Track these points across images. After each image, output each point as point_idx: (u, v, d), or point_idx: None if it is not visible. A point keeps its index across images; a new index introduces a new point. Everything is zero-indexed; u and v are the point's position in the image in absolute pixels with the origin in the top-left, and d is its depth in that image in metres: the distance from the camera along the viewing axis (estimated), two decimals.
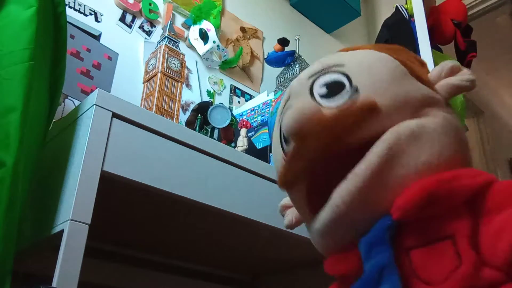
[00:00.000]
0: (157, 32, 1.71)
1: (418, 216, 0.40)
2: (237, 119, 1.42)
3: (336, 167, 0.44)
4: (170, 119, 1.21)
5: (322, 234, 0.46)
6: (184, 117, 1.52)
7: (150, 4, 1.70)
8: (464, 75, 0.49)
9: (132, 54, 1.60)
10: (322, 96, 0.46)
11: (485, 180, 0.40)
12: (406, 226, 0.40)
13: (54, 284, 0.69)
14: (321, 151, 0.43)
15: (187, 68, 1.73)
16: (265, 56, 1.99)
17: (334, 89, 0.46)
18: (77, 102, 1.28)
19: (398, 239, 0.40)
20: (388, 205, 0.41)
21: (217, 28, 1.89)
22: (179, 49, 1.36)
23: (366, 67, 0.47)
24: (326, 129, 0.43)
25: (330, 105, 0.45)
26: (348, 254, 0.44)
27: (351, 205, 0.41)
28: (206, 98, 1.77)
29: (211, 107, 1.28)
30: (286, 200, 0.59)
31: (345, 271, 0.45)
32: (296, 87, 0.51)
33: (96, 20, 1.54)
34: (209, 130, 1.32)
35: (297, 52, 1.86)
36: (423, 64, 0.52)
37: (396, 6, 1.98)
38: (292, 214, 0.57)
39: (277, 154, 0.52)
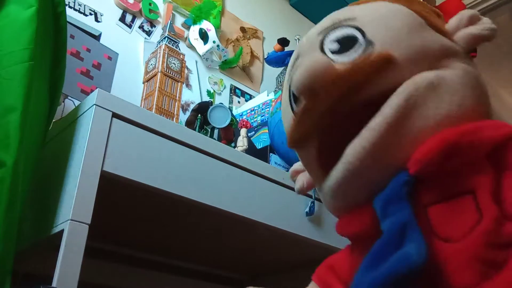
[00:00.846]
0: (157, 32, 1.70)
1: (436, 170, 0.37)
2: (237, 119, 1.42)
3: (349, 124, 0.42)
4: (170, 119, 1.21)
5: (334, 193, 0.44)
6: (184, 117, 1.52)
7: (150, 4, 1.70)
8: (485, 24, 0.46)
9: (132, 54, 1.60)
10: (334, 52, 0.44)
11: (510, 132, 0.38)
12: (424, 181, 0.38)
13: (54, 284, 0.69)
14: (333, 106, 0.41)
15: (187, 68, 1.73)
16: (265, 56, 1.99)
17: (346, 43, 0.44)
18: (77, 102, 1.28)
19: (415, 196, 0.38)
20: (405, 160, 0.39)
21: (217, 28, 1.89)
22: (179, 49, 1.36)
23: (380, 19, 0.45)
24: (339, 83, 0.41)
25: (343, 60, 0.43)
26: (361, 212, 0.42)
27: (365, 161, 0.39)
28: (206, 98, 1.77)
29: (211, 107, 1.28)
30: (297, 164, 0.57)
31: (358, 230, 0.43)
32: (305, 45, 0.48)
33: (96, 20, 1.54)
34: (209, 130, 1.32)
35: None
36: (439, 15, 0.50)
37: None
38: (303, 178, 0.55)
39: (287, 117, 0.50)
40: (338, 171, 0.42)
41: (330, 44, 0.45)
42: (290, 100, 0.49)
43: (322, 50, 0.46)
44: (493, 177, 0.37)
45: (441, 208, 0.37)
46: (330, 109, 0.42)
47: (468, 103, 0.41)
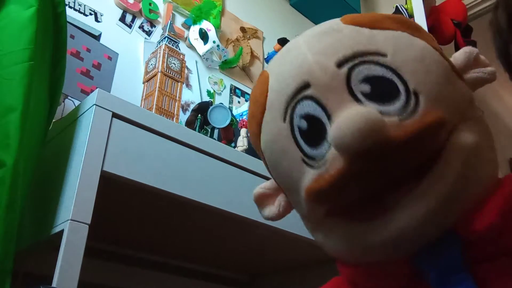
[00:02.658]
0: (157, 32, 1.70)
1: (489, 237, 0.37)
2: (237, 119, 1.42)
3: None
4: (170, 119, 1.21)
5: (375, 249, 0.39)
6: (184, 117, 1.52)
7: (150, 4, 1.70)
8: (487, 67, 0.44)
9: (132, 54, 1.60)
10: (367, 96, 0.38)
11: None
12: (470, 242, 0.38)
13: (54, 284, 0.69)
14: (387, 172, 0.37)
15: (187, 68, 1.73)
16: (265, 56, 2.00)
17: (383, 90, 0.38)
18: (77, 102, 1.28)
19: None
20: (456, 221, 0.38)
21: (217, 28, 1.89)
22: (179, 49, 1.36)
23: (418, 61, 0.39)
24: (398, 149, 0.35)
25: (388, 112, 0.37)
26: (396, 268, 0.40)
27: (424, 225, 0.37)
28: (206, 98, 1.76)
29: (211, 107, 1.29)
30: (263, 188, 0.50)
31: (391, 285, 0.41)
32: (319, 75, 0.40)
33: (96, 20, 1.54)
34: (209, 130, 1.32)
35: None
36: (434, 39, 0.46)
37: (396, 6, 1.98)
38: (276, 203, 0.49)
39: (289, 152, 0.42)
40: (388, 231, 0.38)
41: (361, 85, 0.38)
42: (295, 136, 0.42)
43: (350, 90, 0.39)
44: None
45: (489, 268, 0.37)
46: (382, 175, 0.37)
47: (495, 159, 0.41)
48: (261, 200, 0.50)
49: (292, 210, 0.49)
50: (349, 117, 0.35)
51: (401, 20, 0.44)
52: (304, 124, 0.41)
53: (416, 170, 0.38)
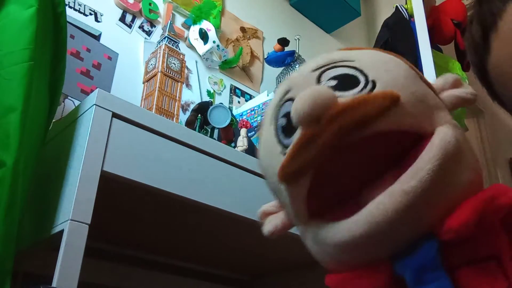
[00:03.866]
0: (157, 32, 1.71)
1: (464, 237, 0.38)
2: (237, 119, 1.43)
3: (342, 163, 0.41)
4: (170, 119, 1.21)
5: (347, 248, 0.41)
6: (184, 117, 1.52)
7: (150, 4, 1.71)
8: (468, 88, 0.47)
9: (132, 54, 1.60)
10: (332, 88, 0.42)
11: None
12: (449, 245, 0.38)
13: (54, 284, 0.69)
14: (337, 138, 0.39)
15: (187, 68, 1.73)
16: (265, 56, 2.00)
17: (346, 82, 0.42)
18: (77, 102, 1.28)
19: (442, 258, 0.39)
20: (431, 223, 0.39)
21: (217, 28, 1.89)
22: (179, 49, 1.36)
23: (380, 64, 0.44)
24: (345, 114, 0.38)
25: (345, 95, 0.41)
26: (374, 272, 0.41)
27: (394, 223, 0.38)
28: (206, 98, 1.77)
29: (211, 107, 1.29)
30: (268, 206, 0.54)
31: None
32: (297, 79, 0.46)
33: (96, 20, 1.54)
34: (209, 130, 1.32)
35: (297, 52, 1.86)
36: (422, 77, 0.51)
37: (396, 6, 1.98)
38: (276, 219, 0.52)
39: (273, 151, 0.46)
40: (358, 228, 0.39)
41: (328, 82, 0.43)
42: (277, 134, 0.46)
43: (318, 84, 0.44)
44: (510, 241, 0.38)
45: (469, 272, 0.38)
46: (333, 141, 0.39)
47: (478, 166, 0.42)
48: (264, 217, 0.54)
49: (292, 226, 0.52)
50: (304, 92, 0.40)
51: (380, 49, 0.49)
52: (283, 121, 0.45)
53: (395, 171, 0.40)
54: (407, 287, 0.39)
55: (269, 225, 0.52)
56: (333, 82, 0.43)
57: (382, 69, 0.44)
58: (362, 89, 0.41)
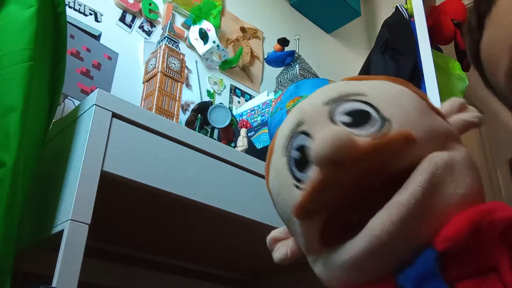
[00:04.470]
0: (157, 32, 1.71)
1: (461, 248, 0.39)
2: (237, 119, 1.43)
3: (357, 199, 0.43)
4: (170, 119, 1.21)
5: (351, 266, 0.43)
6: (184, 117, 1.52)
7: (150, 4, 1.71)
8: (473, 111, 0.49)
9: (132, 54, 1.60)
10: (346, 125, 0.43)
11: None
12: (448, 257, 0.39)
13: (54, 284, 0.69)
14: (357, 181, 0.41)
15: (187, 68, 1.73)
16: (265, 56, 2.00)
17: (359, 118, 0.43)
18: (77, 102, 1.28)
19: (442, 272, 0.39)
20: (428, 235, 0.40)
21: (217, 28, 1.89)
22: (179, 49, 1.36)
23: (392, 98, 0.45)
24: (365, 158, 0.40)
25: (361, 133, 0.42)
26: (380, 285, 0.42)
27: (393, 235, 0.39)
28: (206, 98, 1.77)
29: (211, 107, 1.29)
30: (277, 232, 0.57)
31: None
32: (310, 112, 0.46)
33: (96, 20, 1.54)
34: (209, 130, 1.32)
35: (297, 52, 1.86)
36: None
37: (396, 6, 1.98)
38: (286, 246, 0.55)
39: (286, 183, 0.47)
40: (361, 244, 0.41)
41: (341, 116, 0.44)
42: (290, 167, 0.47)
43: (332, 121, 0.44)
44: (509, 255, 0.39)
45: (469, 284, 0.38)
46: (353, 185, 0.41)
47: (476, 184, 0.43)
48: (273, 244, 0.57)
49: (301, 253, 0.53)
50: (323, 133, 0.40)
51: (388, 77, 0.51)
52: (296, 154, 0.46)
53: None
54: None
55: (278, 253, 0.56)
56: (347, 119, 0.44)
57: (394, 104, 0.45)
58: (379, 129, 0.42)
